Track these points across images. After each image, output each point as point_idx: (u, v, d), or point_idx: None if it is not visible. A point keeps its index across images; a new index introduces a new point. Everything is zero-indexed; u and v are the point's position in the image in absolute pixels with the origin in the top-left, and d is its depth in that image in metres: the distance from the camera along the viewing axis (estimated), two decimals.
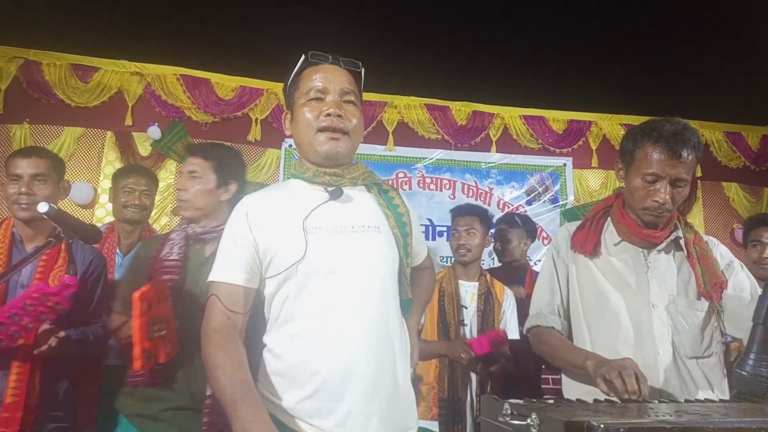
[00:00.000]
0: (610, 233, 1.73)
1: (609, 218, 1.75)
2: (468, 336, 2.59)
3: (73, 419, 2.33)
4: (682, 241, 1.67)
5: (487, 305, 2.67)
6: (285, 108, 1.54)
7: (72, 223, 1.57)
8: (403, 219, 1.48)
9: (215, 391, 1.30)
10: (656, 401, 1.27)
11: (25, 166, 1.97)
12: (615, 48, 4.44)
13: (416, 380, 2.44)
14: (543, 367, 3.25)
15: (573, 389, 1.64)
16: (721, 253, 1.70)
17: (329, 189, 1.43)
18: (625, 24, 4.37)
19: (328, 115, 1.39)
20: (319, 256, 1.34)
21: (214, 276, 1.40)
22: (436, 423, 2.47)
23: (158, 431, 1.80)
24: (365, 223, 1.42)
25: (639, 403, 1.26)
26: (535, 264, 4.19)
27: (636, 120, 4.94)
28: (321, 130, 1.40)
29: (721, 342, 1.65)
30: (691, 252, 1.65)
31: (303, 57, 1.46)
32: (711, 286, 1.60)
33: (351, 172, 1.47)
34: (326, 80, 1.43)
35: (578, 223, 1.81)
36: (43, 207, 1.45)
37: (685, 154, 1.53)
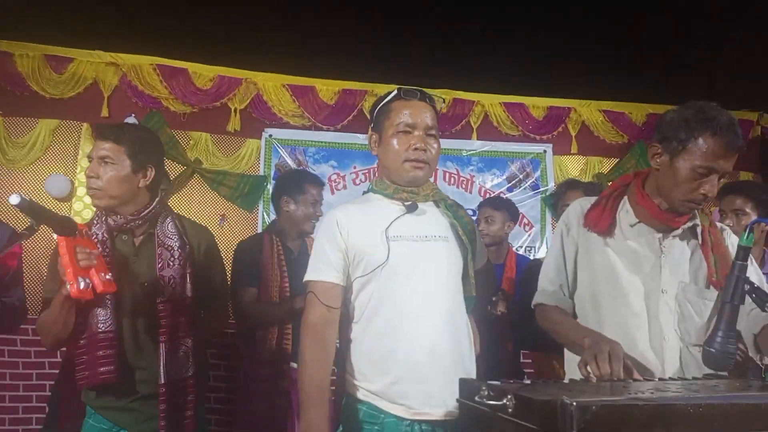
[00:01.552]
0: (626, 213, 1.69)
1: (626, 198, 1.72)
2: None
3: (58, 413, 2.33)
4: (698, 229, 1.65)
5: None
6: (371, 129, 1.80)
7: (45, 215, 1.54)
8: (469, 228, 1.75)
9: (298, 380, 1.63)
10: (630, 380, 1.29)
11: None
12: (594, 34, 4.47)
13: None
14: (521, 350, 3.32)
15: (574, 365, 1.65)
16: (733, 243, 1.68)
17: (406, 203, 1.70)
18: (603, 9, 4.39)
19: (416, 149, 1.66)
20: (399, 260, 1.62)
21: (311, 276, 1.67)
22: None
23: (130, 419, 1.81)
24: (436, 233, 1.70)
25: (613, 382, 1.28)
26: (516, 250, 4.22)
27: (614, 106, 5.04)
28: (408, 160, 1.67)
29: None
30: (706, 240, 1.64)
31: (395, 91, 1.73)
32: (722, 276, 1.57)
33: (424, 189, 1.74)
34: (414, 116, 1.69)
35: (591, 200, 1.78)
36: (15, 199, 1.43)
37: (738, 146, 1.50)
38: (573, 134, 5.03)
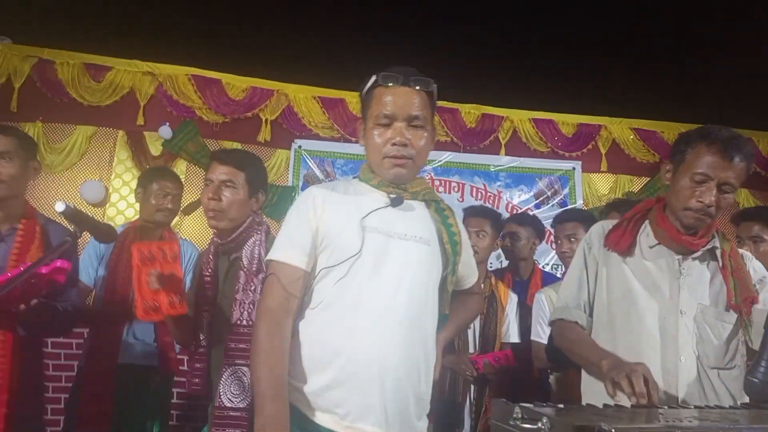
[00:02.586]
0: (646, 235, 1.71)
1: (647, 221, 1.74)
2: (471, 341, 2.60)
3: (80, 416, 2.37)
4: (718, 252, 1.65)
5: (491, 308, 2.67)
6: (360, 117, 1.59)
7: (88, 222, 1.59)
8: (455, 238, 1.54)
9: (252, 373, 1.39)
10: (666, 407, 1.27)
11: None
12: (626, 52, 4.44)
13: None
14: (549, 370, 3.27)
15: (591, 388, 1.64)
16: (755, 267, 1.69)
17: (391, 196, 1.50)
18: (637, 27, 4.36)
19: (395, 144, 1.46)
20: (369, 254, 1.42)
21: (276, 255, 1.45)
22: (432, 427, 2.47)
23: None
24: (417, 234, 1.49)
25: (649, 408, 1.26)
26: (542, 267, 4.18)
27: (647, 124, 4.98)
28: (387, 156, 1.47)
29: (745, 355, 1.64)
30: (726, 264, 1.64)
31: (374, 78, 1.49)
32: (742, 299, 1.58)
33: (413, 186, 1.54)
34: (395, 105, 1.46)
35: (613, 221, 1.80)
36: (60, 206, 1.47)
37: (737, 159, 1.52)
38: (603, 152, 4.99)
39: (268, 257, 1.48)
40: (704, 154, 1.54)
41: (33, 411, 1.97)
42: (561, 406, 1.16)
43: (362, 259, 1.41)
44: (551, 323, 1.81)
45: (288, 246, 1.46)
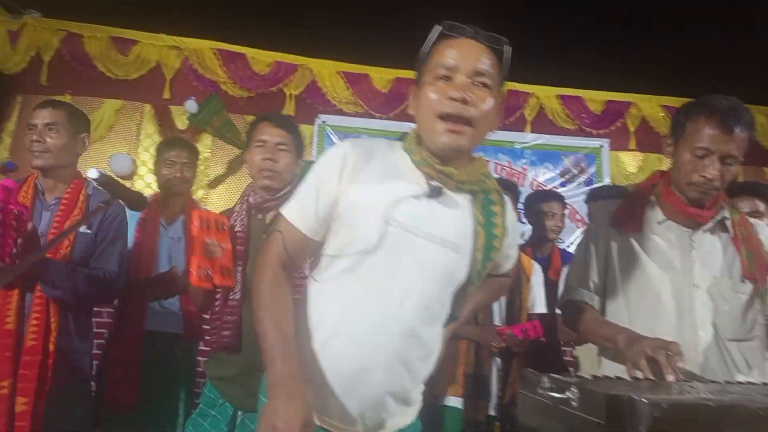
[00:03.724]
0: (654, 211, 1.69)
1: (653, 196, 1.72)
2: (496, 312, 2.60)
3: (111, 380, 2.44)
4: (728, 222, 1.63)
5: (516, 280, 2.66)
6: (414, 84, 1.34)
7: (120, 189, 1.61)
8: (494, 243, 1.31)
9: (257, 329, 1.24)
10: (695, 381, 1.26)
11: (39, 116, 2.03)
12: (657, 25, 4.31)
13: (448, 359, 2.44)
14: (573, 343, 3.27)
15: (612, 365, 1.63)
16: (767, 235, 1.66)
17: (431, 182, 1.26)
18: (666, 1, 4.22)
19: (453, 99, 1.20)
20: (384, 251, 1.22)
21: (286, 212, 1.32)
22: (461, 400, 2.49)
23: (234, 393, 1.87)
24: (447, 237, 1.26)
25: (677, 382, 1.25)
26: (569, 246, 4.14)
27: (677, 102, 4.84)
28: (442, 117, 1.22)
29: (764, 324, 1.62)
30: (737, 233, 1.62)
31: (436, 27, 1.27)
32: (756, 268, 1.57)
33: (463, 174, 1.28)
34: (458, 57, 1.23)
35: (618, 200, 1.78)
36: (93, 173, 1.50)
37: (737, 130, 1.49)
38: (632, 130, 4.90)
39: (281, 209, 1.34)
40: (704, 127, 1.52)
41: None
42: (589, 376, 1.16)
43: (375, 256, 1.23)
44: (560, 305, 1.81)
45: (300, 207, 1.30)
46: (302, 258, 1.35)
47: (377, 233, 1.22)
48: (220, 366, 1.91)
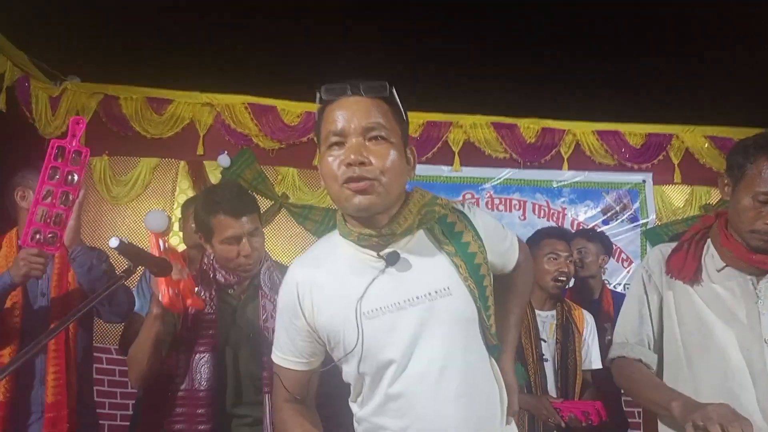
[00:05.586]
0: (711, 257, 1.54)
1: (709, 240, 1.57)
2: (550, 375, 2.42)
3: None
4: None
5: (567, 336, 2.49)
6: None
7: (143, 256, 1.55)
8: (476, 261, 1.24)
9: None
10: None
11: None
12: (696, 53, 4.16)
13: None
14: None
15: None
16: None
17: (383, 254, 1.21)
18: (705, 27, 4.09)
19: (349, 164, 1.14)
20: (382, 345, 1.19)
21: (273, 356, 1.35)
22: None
23: None
24: (433, 288, 1.21)
25: None
26: (614, 287, 3.93)
27: (721, 131, 4.65)
28: (345, 182, 1.15)
29: None
30: None
31: (318, 95, 1.22)
32: None
33: (402, 220, 1.21)
34: (345, 119, 1.17)
35: (672, 245, 1.63)
36: (114, 242, 1.44)
37: None
38: (675, 162, 4.69)
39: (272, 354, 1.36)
40: (767, 170, 1.40)
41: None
42: None
43: (371, 354, 1.20)
44: (610, 361, 1.65)
45: (281, 351, 1.33)
46: (305, 390, 1.35)
47: (354, 333, 1.19)
48: None
